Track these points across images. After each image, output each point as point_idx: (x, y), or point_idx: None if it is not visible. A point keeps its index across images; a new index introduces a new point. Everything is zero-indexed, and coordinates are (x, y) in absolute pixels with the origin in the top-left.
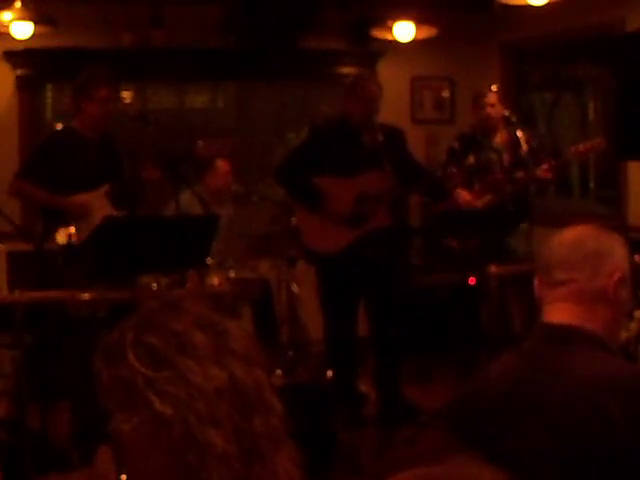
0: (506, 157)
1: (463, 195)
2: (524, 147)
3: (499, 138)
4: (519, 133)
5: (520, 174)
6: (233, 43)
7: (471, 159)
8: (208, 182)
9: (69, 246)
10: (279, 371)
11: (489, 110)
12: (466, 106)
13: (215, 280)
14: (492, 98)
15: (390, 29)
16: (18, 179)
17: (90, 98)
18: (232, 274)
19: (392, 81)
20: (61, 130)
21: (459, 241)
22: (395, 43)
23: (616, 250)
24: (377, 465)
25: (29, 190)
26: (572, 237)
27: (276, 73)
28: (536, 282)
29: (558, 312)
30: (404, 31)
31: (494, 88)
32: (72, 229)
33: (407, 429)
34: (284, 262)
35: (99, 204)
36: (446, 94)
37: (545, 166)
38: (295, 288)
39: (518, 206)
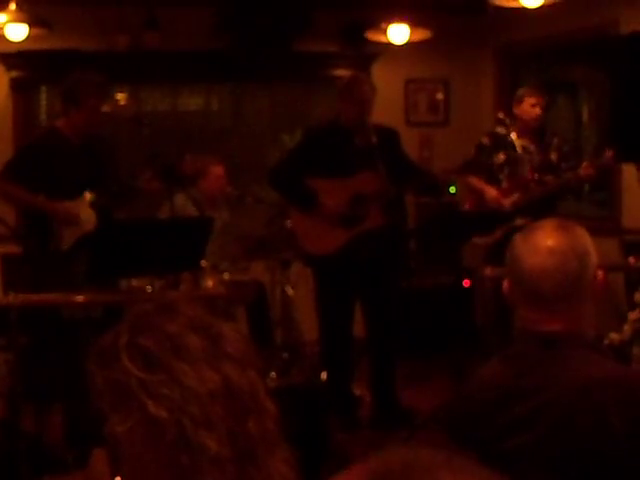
0: (537, 159)
1: (491, 192)
2: (554, 153)
3: (532, 141)
4: (555, 139)
5: (550, 178)
6: (227, 45)
7: (501, 156)
8: (202, 186)
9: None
10: (273, 373)
11: (538, 111)
12: (461, 108)
13: (209, 282)
14: (535, 99)
15: (384, 31)
16: (1, 181)
17: (78, 105)
18: (226, 276)
19: (386, 83)
20: (45, 132)
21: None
22: (389, 45)
23: (588, 247)
24: None
25: (15, 191)
26: (553, 263)
27: (270, 75)
28: (517, 299)
29: (548, 323)
30: (398, 33)
31: (530, 95)
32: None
33: (402, 432)
34: (278, 264)
35: (84, 212)
36: (440, 96)
37: (586, 164)
38: (289, 290)
39: (545, 209)
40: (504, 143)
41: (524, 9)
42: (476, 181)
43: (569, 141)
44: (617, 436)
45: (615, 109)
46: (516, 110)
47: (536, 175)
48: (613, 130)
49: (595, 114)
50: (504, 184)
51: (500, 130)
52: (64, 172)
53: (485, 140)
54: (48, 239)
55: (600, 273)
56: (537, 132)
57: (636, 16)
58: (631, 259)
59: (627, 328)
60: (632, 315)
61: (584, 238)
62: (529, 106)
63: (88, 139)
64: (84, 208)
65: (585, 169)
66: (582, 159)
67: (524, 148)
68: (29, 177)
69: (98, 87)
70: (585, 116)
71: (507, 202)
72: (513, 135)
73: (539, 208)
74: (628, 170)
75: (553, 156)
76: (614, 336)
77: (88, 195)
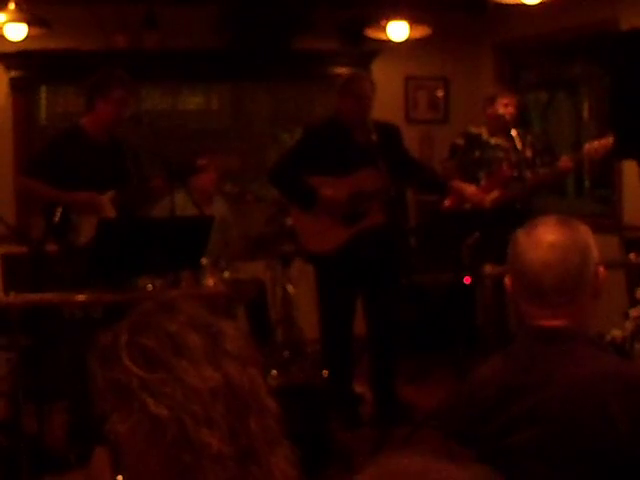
0: (513, 157)
1: (470, 189)
2: (529, 150)
3: (507, 139)
4: (528, 137)
5: (528, 174)
6: (227, 44)
7: (477, 154)
8: (195, 183)
9: (69, 243)
10: (274, 371)
11: (503, 110)
12: (461, 106)
13: (210, 281)
14: (508, 99)
15: (384, 29)
16: (24, 177)
17: (106, 98)
18: (227, 275)
19: (386, 81)
20: (69, 129)
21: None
22: (389, 43)
23: (590, 243)
24: None
25: (36, 187)
26: (555, 257)
27: (270, 74)
28: (519, 294)
29: (553, 319)
30: (398, 31)
31: (502, 95)
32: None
33: (403, 429)
34: (279, 262)
35: (106, 207)
36: (440, 94)
37: (565, 157)
38: (290, 288)
39: (523, 205)
40: (478, 143)
41: (524, 6)
42: (454, 181)
43: (568, 138)
44: (619, 431)
45: (615, 106)
46: (489, 110)
47: (515, 171)
48: (613, 127)
49: (595, 111)
50: (483, 182)
51: (474, 130)
52: (86, 169)
53: (459, 141)
54: (68, 234)
55: (602, 269)
56: (510, 131)
57: (636, 12)
58: (632, 256)
59: (629, 325)
60: (633, 312)
61: (585, 233)
62: (502, 106)
63: (112, 137)
64: (107, 203)
65: (564, 162)
66: (557, 155)
67: (499, 146)
68: (51, 173)
69: (126, 80)
70: (585, 113)
71: (487, 199)
72: (528, 137)
73: (518, 206)
74: (629, 167)
75: (528, 153)
76: (616, 333)
77: (110, 193)
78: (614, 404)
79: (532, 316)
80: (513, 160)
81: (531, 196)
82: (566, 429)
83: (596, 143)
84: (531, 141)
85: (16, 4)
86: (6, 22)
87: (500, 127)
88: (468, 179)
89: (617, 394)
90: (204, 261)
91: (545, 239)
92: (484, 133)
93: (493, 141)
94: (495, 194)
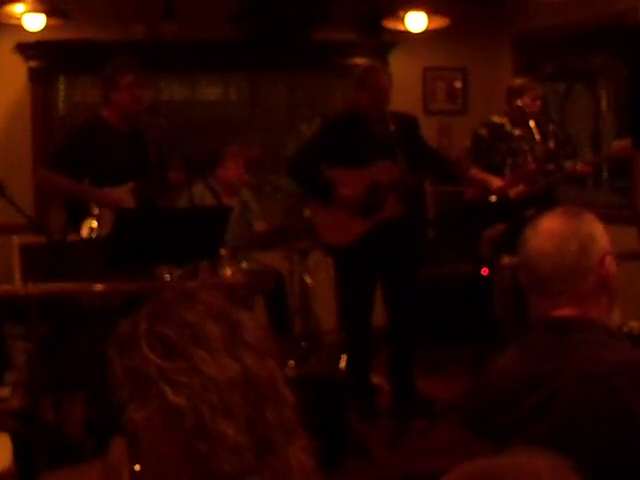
0: (538, 149)
1: (495, 182)
2: (552, 140)
3: (530, 130)
4: (550, 126)
5: (551, 166)
6: (245, 35)
7: (503, 147)
8: (220, 174)
9: (90, 239)
10: (292, 362)
11: (531, 103)
12: (479, 97)
13: (228, 271)
14: (538, 90)
15: (402, 20)
16: (45, 169)
17: (117, 87)
18: (245, 265)
19: (404, 72)
20: (90, 121)
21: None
22: (407, 34)
23: (594, 233)
24: (390, 457)
25: (57, 180)
26: (551, 246)
27: (288, 64)
28: (527, 288)
29: (559, 309)
30: (416, 21)
31: (531, 88)
32: (94, 223)
33: (420, 421)
34: (297, 253)
35: (126, 200)
36: (458, 85)
37: (590, 159)
38: (308, 279)
39: (546, 197)
40: (502, 133)
41: None
42: (477, 172)
43: (586, 129)
44: (635, 419)
45: (633, 97)
46: (518, 102)
47: (539, 165)
48: (632, 118)
49: (614, 102)
50: (508, 175)
51: (496, 120)
52: (108, 159)
53: (482, 131)
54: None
55: (609, 259)
56: (535, 119)
57: None
58: None
59: None
60: None
61: (591, 224)
62: (531, 99)
63: (133, 127)
64: (127, 197)
65: (582, 167)
66: (576, 147)
67: (523, 137)
68: (74, 164)
69: (132, 66)
70: (604, 105)
71: (512, 193)
72: (551, 126)
73: (542, 197)
74: None
75: (551, 144)
76: (633, 324)
77: (131, 183)
78: (629, 392)
79: (539, 307)
80: (537, 152)
81: (553, 189)
82: (581, 419)
83: (616, 143)
84: (554, 131)
85: None
86: (25, 12)
87: (524, 119)
88: (492, 171)
89: (631, 382)
90: (222, 251)
91: (544, 229)
92: (507, 123)
93: (516, 132)
94: (520, 188)
